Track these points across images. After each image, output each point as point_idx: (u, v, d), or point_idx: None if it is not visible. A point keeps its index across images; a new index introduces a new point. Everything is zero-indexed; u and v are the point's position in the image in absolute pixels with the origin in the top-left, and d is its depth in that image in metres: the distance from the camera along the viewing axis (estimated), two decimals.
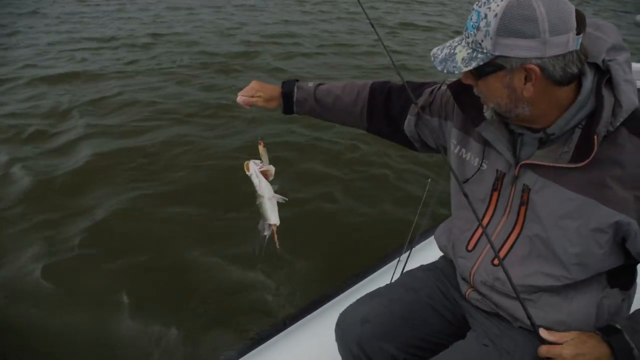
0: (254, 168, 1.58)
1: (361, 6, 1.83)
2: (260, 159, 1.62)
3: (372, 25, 1.78)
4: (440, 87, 1.51)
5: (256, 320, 2.98)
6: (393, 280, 1.69)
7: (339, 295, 2.19)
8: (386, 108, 1.59)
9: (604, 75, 1.13)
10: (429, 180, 2.17)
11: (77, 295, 3.21)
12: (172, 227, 3.89)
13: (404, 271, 1.74)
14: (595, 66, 1.15)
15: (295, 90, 1.66)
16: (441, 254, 1.66)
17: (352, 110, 1.64)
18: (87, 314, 3.04)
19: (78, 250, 3.60)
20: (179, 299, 3.18)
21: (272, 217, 1.60)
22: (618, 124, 1.10)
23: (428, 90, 1.53)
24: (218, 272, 3.42)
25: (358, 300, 1.55)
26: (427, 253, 2.26)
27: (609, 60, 1.12)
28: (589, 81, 1.13)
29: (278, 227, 1.63)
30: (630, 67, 1.15)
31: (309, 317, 2.07)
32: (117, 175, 4.65)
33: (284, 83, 1.69)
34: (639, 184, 1.09)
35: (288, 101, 1.67)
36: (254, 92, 1.65)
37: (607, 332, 1.15)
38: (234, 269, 3.44)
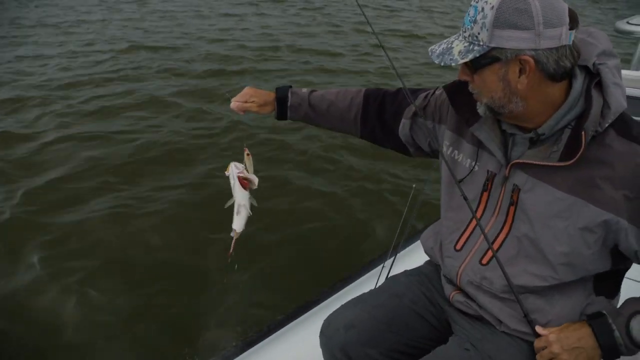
0: (232, 171, 1.57)
1: (362, 11, 1.85)
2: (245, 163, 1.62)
3: (377, 36, 1.82)
4: (434, 91, 1.55)
5: (240, 326, 2.97)
6: (378, 286, 1.69)
7: (323, 301, 2.19)
8: (380, 113, 1.61)
9: (594, 78, 1.17)
10: (414, 186, 2.18)
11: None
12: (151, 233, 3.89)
13: (389, 276, 1.75)
14: (585, 69, 1.19)
15: (290, 95, 1.67)
16: (426, 258, 1.67)
17: (346, 115, 1.66)
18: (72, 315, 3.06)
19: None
20: (156, 306, 3.18)
21: (236, 222, 1.59)
22: (606, 125, 1.13)
23: (423, 94, 1.56)
24: (200, 278, 3.42)
25: (342, 306, 1.55)
26: (412, 258, 2.27)
27: (599, 64, 1.16)
28: (579, 83, 1.17)
29: (247, 239, 1.66)
30: (619, 72, 1.18)
31: (293, 323, 2.07)
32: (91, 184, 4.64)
33: (277, 88, 1.69)
34: (626, 183, 1.12)
35: (282, 106, 1.67)
36: (247, 97, 1.64)
37: (593, 316, 1.22)
38: (216, 274, 3.44)
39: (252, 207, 1.61)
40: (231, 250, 1.61)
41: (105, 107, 6.50)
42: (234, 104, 1.64)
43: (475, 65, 1.17)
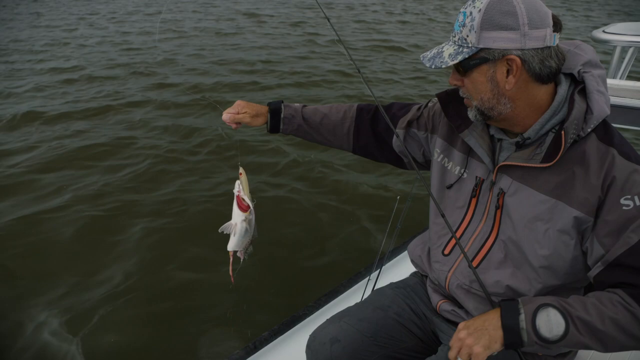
0: (235, 189, 1.53)
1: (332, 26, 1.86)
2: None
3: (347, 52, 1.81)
4: (427, 104, 1.59)
5: (225, 344, 2.94)
6: (363, 299, 1.69)
7: (309, 316, 2.19)
8: (374, 125, 1.64)
9: (579, 84, 1.22)
10: (397, 198, 2.19)
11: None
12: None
13: (374, 289, 1.75)
14: (571, 77, 1.24)
15: (283, 108, 1.67)
16: (411, 270, 1.68)
17: (339, 128, 1.67)
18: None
19: None
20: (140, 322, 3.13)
21: (230, 242, 1.56)
22: (589, 130, 1.17)
23: (415, 107, 1.61)
24: (186, 297, 3.38)
25: (328, 320, 1.55)
26: (397, 270, 2.34)
27: (584, 72, 1.21)
28: (563, 89, 1.22)
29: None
30: (604, 82, 1.23)
31: (280, 338, 2.06)
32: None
33: (270, 102, 1.69)
34: (598, 184, 1.15)
35: (275, 118, 1.67)
36: (239, 108, 1.63)
37: (507, 299, 1.23)
38: (199, 293, 3.42)
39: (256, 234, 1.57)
40: (230, 272, 1.58)
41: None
42: (226, 115, 1.61)
43: (465, 67, 1.21)
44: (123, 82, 8.46)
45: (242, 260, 1.61)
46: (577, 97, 1.19)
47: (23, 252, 3.82)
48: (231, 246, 1.56)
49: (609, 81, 2.28)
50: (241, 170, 1.53)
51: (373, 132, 1.65)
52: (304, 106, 1.71)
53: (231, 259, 1.58)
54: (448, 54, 1.22)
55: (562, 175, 1.19)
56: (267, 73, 9.30)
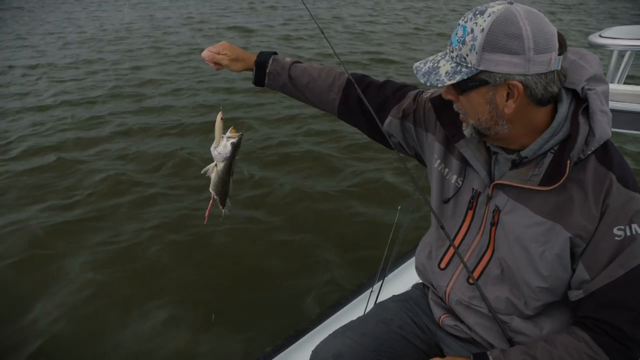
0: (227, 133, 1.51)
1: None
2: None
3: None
4: (422, 93, 1.52)
5: (229, 357, 2.93)
6: (366, 312, 1.68)
7: (312, 329, 2.18)
8: (361, 101, 1.56)
9: (581, 103, 1.17)
10: (399, 208, 2.18)
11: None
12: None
13: (377, 302, 1.75)
14: (572, 93, 1.19)
15: (270, 62, 1.63)
16: (414, 281, 1.67)
17: (325, 95, 1.62)
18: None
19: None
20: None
21: (211, 184, 1.55)
22: (589, 152, 1.14)
23: (411, 94, 1.53)
24: (186, 312, 3.36)
25: (330, 335, 1.54)
26: (400, 281, 2.33)
27: (588, 89, 1.16)
28: (564, 107, 1.17)
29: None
30: (607, 98, 1.19)
31: (283, 353, 2.05)
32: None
33: (261, 52, 1.66)
34: (595, 209, 1.13)
35: (260, 71, 1.63)
36: (221, 49, 1.61)
37: (478, 355, 1.24)
38: (200, 305, 3.39)
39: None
40: (207, 213, 1.58)
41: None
42: (206, 52, 1.60)
43: (463, 87, 1.16)
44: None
45: (222, 213, 1.59)
46: (581, 120, 1.14)
47: None
48: (210, 187, 1.55)
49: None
50: (219, 115, 1.50)
51: (361, 108, 1.57)
52: (294, 63, 1.65)
53: (211, 200, 1.57)
54: (445, 71, 1.16)
55: (560, 197, 1.16)
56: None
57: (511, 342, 1.28)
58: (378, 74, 9.04)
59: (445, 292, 1.42)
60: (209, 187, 1.55)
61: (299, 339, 2.11)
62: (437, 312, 1.50)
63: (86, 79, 9.25)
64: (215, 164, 1.51)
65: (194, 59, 10.21)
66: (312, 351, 1.52)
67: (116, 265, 3.81)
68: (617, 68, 2.76)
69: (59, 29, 14.66)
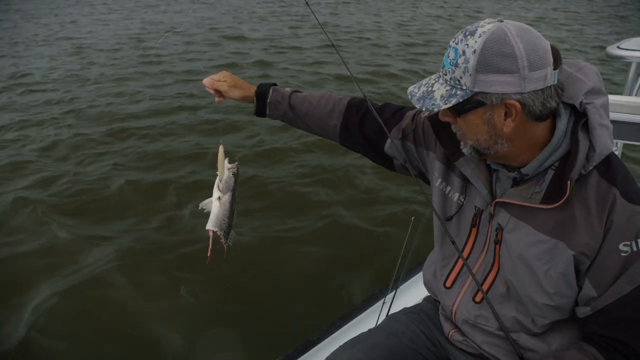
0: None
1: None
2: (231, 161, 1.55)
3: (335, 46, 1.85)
4: (420, 113, 1.54)
5: None
6: (377, 324, 1.70)
7: (323, 340, 2.20)
8: (362, 125, 1.60)
9: (580, 117, 1.17)
10: (412, 219, 2.19)
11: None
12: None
13: (388, 314, 1.76)
14: (570, 107, 1.20)
15: (271, 92, 1.68)
16: (425, 293, 1.69)
17: (325, 122, 1.66)
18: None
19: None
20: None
21: (209, 219, 1.54)
22: (590, 168, 1.14)
23: (410, 114, 1.55)
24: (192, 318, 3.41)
25: (341, 347, 1.56)
26: (413, 293, 2.34)
27: (587, 104, 1.16)
28: (563, 123, 1.18)
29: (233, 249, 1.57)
30: (607, 111, 1.19)
31: None
32: None
33: (260, 84, 1.72)
34: (599, 226, 1.14)
35: (261, 102, 1.69)
36: (221, 77, 1.69)
37: None
38: (210, 314, 3.43)
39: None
40: (209, 253, 1.55)
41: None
42: (206, 79, 1.68)
43: (459, 110, 1.17)
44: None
45: (225, 247, 1.57)
46: (580, 136, 1.15)
47: None
48: (208, 224, 1.53)
49: (625, 99, 2.29)
50: (220, 148, 1.52)
51: (362, 133, 1.61)
52: (294, 92, 1.70)
53: (211, 239, 1.56)
54: (440, 95, 1.16)
55: (562, 215, 1.17)
56: None
57: (522, 359, 1.29)
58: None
59: (452, 311, 1.43)
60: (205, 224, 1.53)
61: (309, 349, 2.13)
62: (447, 327, 1.51)
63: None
64: (219, 197, 1.52)
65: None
66: None
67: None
68: (635, 80, 2.75)
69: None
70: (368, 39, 14.02)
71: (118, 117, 7.52)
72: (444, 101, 1.15)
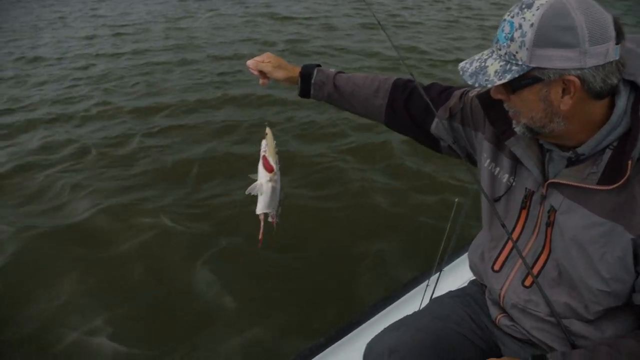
0: (262, 148, 1.56)
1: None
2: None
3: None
4: (468, 92, 1.50)
5: (276, 350, 3.00)
6: (421, 306, 1.70)
7: (365, 322, 2.20)
8: (407, 107, 1.58)
9: None
10: (456, 200, 2.16)
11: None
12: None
13: (432, 297, 1.75)
14: (630, 84, 1.14)
15: (315, 73, 1.68)
16: (471, 277, 1.67)
17: (371, 102, 1.64)
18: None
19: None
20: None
21: (258, 204, 1.56)
22: None
23: (457, 93, 1.52)
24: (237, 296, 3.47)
25: (385, 329, 1.56)
26: (456, 276, 2.33)
27: None
28: (622, 101, 1.12)
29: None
30: None
31: (335, 345, 2.09)
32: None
33: (305, 65, 1.72)
34: None
35: (306, 83, 1.69)
36: (265, 58, 1.69)
37: (537, 357, 1.21)
38: (251, 290, 3.49)
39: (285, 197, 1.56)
40: (260, 236, 1.56)
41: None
42: (250, 60, 1.69)
43: (514, 86, 1.13)
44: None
45: (275, 225, 1.59)
46: None
47: None
48: (260, 208, 1.56)
49: None
50: (267, 130, 1.56)
51: (407, 113, 1.58)
52: (338, 73, 1.69)
53: (262, 222, 1.57)
54: (494, 70, 1.12)
55: (621, 196, 1.11)
56: None
57: (573, 346, 1.26)
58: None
59: (500, 295, 1.41)
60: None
61: (351, 331, 2.15)
62: (494, 311, 1.49)
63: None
64: (269, 179, 1.53)
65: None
66: (367, 345, 1.55)
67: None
68: None
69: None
70: (404, 16, 13.81)
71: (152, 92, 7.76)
72: (498, 77, 1.11)
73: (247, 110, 6.78)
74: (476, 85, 1.15)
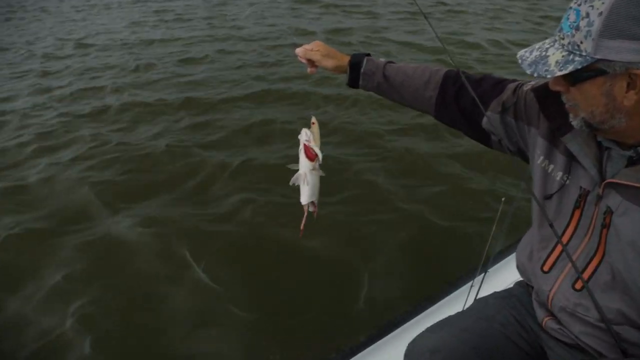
0: (301, 137, 1.56)
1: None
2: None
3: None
4: (522, 85, 1.46)
5: (321, 345, 2.99)
6: (465, 307, 1.67)
7: (407, 321, 2.19)
8: (458, 99, 1.55)
9: None
10: (502, 200, 2.09)
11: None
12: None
13: (477, 298, 1.73)
14: None
15: (365, 62, 1.66)
16: (517, 278, 1.62)
17: (421, 93, 1.61)
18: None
19: None
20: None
21: (303, 194, 1.56)
22: None
23: (511, 86, 1.47)
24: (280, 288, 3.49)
25: (427, 329, 1.54)
26: (502, 277, 2.28)
27: None
28: None
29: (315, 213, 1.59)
30: None
31: (376, 344, 2.09)
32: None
33: (354, 54, 1.70)
34: None
35: (355, 72, 1.67)
36: (314, 46, 1.68)
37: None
38: (289, 292, 3.48)
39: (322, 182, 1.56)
40: (302, 226, 1.57)
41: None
42: (299, 48, 1.69)
43: (575, 78, 1.09)
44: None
45: (315, 215, 1.60)
46: None
47: None
48: (305, 198, 1.56)
49: None
50: (314, 120, 1.57)
51: (458, 106, 1.55)
52: (388, 62, 1.67)
53: (306, 212, 1.58)
54: (555, 60, 1.08)
55: None
56: None
57: (625, 354, 1.22)
58: None
59: (548, 297, 1.36)
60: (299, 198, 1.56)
61: (393, 330, 2.14)
62: (540, 313, 1.44)
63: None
64: (313, 169, 1.54)
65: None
66: (409, 344, 1.53)
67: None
68: None
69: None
70: (448, 4, 13.57)
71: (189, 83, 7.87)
72: (559, 67, 1.07)
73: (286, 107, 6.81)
74: (535, 75, 1.11)
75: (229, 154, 5.47)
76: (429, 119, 1.87)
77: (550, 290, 1.36)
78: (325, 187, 1.63)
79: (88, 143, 5.93)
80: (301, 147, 1.56)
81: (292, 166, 1.58)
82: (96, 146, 5.84)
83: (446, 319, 1.57)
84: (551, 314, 1.40)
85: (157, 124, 6.41)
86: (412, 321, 2.18)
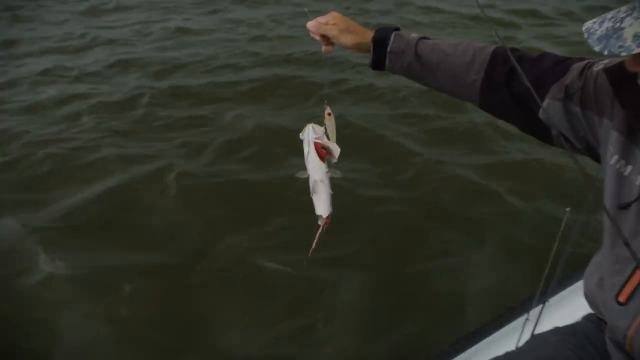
0: (308, 134, 1.37)
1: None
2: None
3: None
4: (592, 65, 1.27)
5: None
6: (519, 344, 1.62)
7: (452, 358, 2.10)
8: (510, 81, 1.33)
9: None
10: (567, 209, 1.87)
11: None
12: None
13: (534, 333, 1.65)
14: None
15: (392, 37, 1.44)
16: (585, 311, 1.46)
17: (462, 76, 1.40)
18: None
19: None
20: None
21: (319, 205, 1.39)
22: None
23: (577, 66, 1.28)
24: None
25: None
26: (567, 308, 2.19)
27: None
28: None
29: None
30: None
31: None
32: None
33: (380, 28, 1.49)
34: None
35: (379, 51, 1.45)
36: (330, 19, 1.47)
37: None
38: (309, 315, 3.34)
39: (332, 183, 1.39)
40: (314, 245, 1.41)
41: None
42: (311, 22, 1.48)
43: None
44: None
45: (326, 227, 1.44)
46: None
47: None
48: (323, 210, 1.39)
49: None
50: (329, 110, 1.42)
51: (509, 91, 1.34)
52: (422, 38, 1.45)
53: (321, 228, 1.42)
54: (633, 33, 0.94)
55: None
56: None
57: None
58: None
59: (626, 336, 1.20)
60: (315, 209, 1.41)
61: None
62: (617, 356, 1.28)
63: None
64: (327, 171, 1.39)
65: None
66: None
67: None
68: None
69: None
70: None
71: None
72: (637, 43, 0.93)
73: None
74: (605, 52, 0.98)
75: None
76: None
77: (628, 328, 1.19)
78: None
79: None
80: (309, 147, 1.37)
81: (300, 174, 1.41)
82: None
83: (496, 358, 1.44)
84: (631, 358, 1.25)
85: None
86: (457, 358, 2.09)
